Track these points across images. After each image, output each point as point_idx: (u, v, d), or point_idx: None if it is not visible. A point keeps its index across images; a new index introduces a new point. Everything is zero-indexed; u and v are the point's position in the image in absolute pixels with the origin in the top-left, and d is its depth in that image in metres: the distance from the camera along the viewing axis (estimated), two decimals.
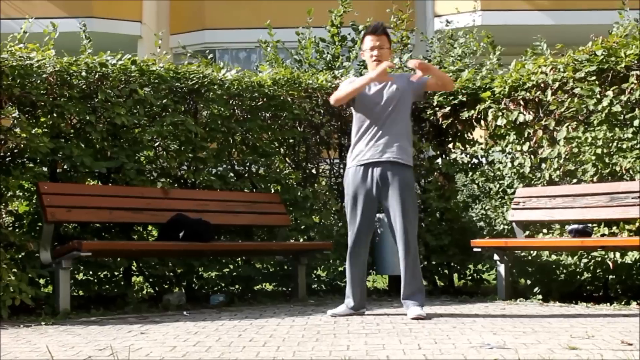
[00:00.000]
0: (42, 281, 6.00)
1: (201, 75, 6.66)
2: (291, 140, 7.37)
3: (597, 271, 6.28)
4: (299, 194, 7.12)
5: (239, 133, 6.99)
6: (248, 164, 7.16)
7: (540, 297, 6.37)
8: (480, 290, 7.27)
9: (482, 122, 7.24)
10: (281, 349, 3.85)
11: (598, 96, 6.23)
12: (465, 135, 7.48)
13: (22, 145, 5.65)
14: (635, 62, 6.10)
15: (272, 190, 7.16)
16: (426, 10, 16.22)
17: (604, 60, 6.26)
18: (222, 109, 6.83)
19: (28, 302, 5.30)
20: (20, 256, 5.59)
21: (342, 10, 9.22)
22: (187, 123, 6.51)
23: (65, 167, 6.15)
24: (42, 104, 5.92)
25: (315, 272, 7.22)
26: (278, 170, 7.23)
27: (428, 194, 7.32)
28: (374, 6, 12.78)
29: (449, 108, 7.25)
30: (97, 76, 6.17)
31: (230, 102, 6.91)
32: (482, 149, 7.39)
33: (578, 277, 6.39)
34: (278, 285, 7.19)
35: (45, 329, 4.75)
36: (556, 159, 6.52)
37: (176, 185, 6.73)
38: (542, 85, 6.63)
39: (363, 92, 5.31)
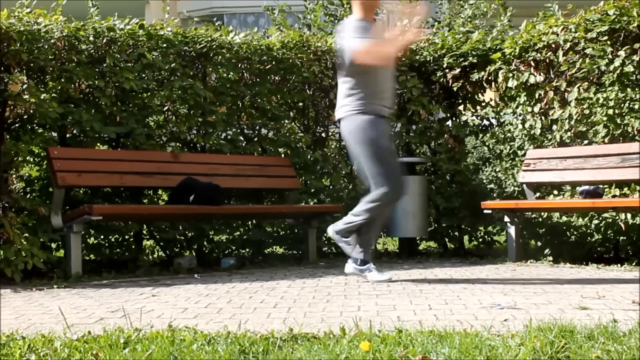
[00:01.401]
0: (53, 245, 6.04)
1: (209, 39, 6.62)
2: (300, 104, 7.34)
3: (608, 232, 6.27)
4: (308, 157, 7.12)
5: (248, 97, 6.97)
6: (257, 127, 7.15)
7: (550, 258, 6.38)
8: (490, 252, 7.28)
9: (493, 84, 7.20)
10: (292, 310, 3.86)
11: (610, 56, 6.17)
12: (476, 97, 7.44)
13: (31, 111, 5.66)
14: None
15: (282, 154, 7.15)
16: None
17: (616, 19, 6.19)
18: (231, 73, 6.81)
19: (40, 266, 5.33)
20: (31, 221, 5.61)
21: None
22: (195, 87, 6.49)
23: (74, 132, 6.16)
24: (51, 69, 5.92)
25: (325, 235, 7.22)
26: (288, 134, 7.21)
27: (438, 156, 7.30)
28: None
29: (458, 70, 7.20)
30: (105, 41, 6.15)
31: (239, 65, 6.88)
32: (492, 110, 7.35)
33: (589, 238, 6.39)
34: (288, 249, 7.22)
35: (57, 292, 4.78)
36: (567, 120, 6.48)
37: (186, 149, 6.73)
38: (553, 46, 6.56)
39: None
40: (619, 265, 5.87)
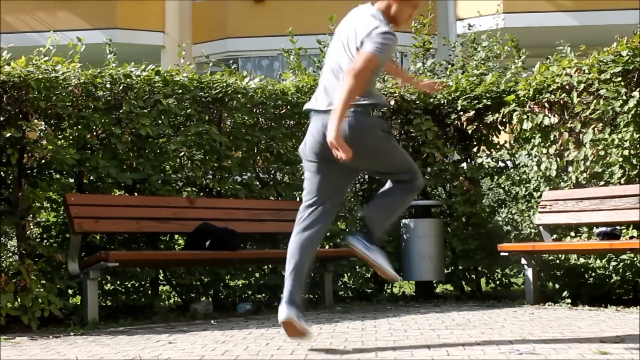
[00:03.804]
0: (70, 292, 6.04)
1: (225, 84, 6.68)
2: None
3: (627, 274, 6.22)
4: None
5: (263, 141, 7.00)
6: (273, 171, 7.17)
7: (569, 301, 6.31)
8: (508, 294, 7.21)
9: (507, 126, 7.20)
10: (309, 357, 3.84)
11: (624, 97, 6.17)
12: (490, 139, 7.44)
13: (48, 157, 5.70)
14: None
15: (298, 198, 7.16)
16: (448, 14, 16.15)
17: (630, 60, 6.20)
18: (246, 118, 6.85)
19: (57, 313, 5.34)
20: (48, 267, 5.63)
21: None
22: (211, 132, 6.53)
23: (91, 178, 6.19)
24: (68, 116, 5.97)
25: (341, 279, 7.21)
26: (303, 178, 7.21)
27: (454, 198, 7.29)
28: None
29: (473, 112, 7.21)
30: (121, 87, 6.22)
31: (254, 110, 6.92)
32: (507, 152, 7.34)
33: (607, 280, 6.33)
34: (304, 293, 7.17)
35: (74, 339, 4.77)
36: (582, 162, 6.46)
37: (202, 194, 6.75)
38: (567, 87, 6.58)
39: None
40: (638, 307, 5.81)
